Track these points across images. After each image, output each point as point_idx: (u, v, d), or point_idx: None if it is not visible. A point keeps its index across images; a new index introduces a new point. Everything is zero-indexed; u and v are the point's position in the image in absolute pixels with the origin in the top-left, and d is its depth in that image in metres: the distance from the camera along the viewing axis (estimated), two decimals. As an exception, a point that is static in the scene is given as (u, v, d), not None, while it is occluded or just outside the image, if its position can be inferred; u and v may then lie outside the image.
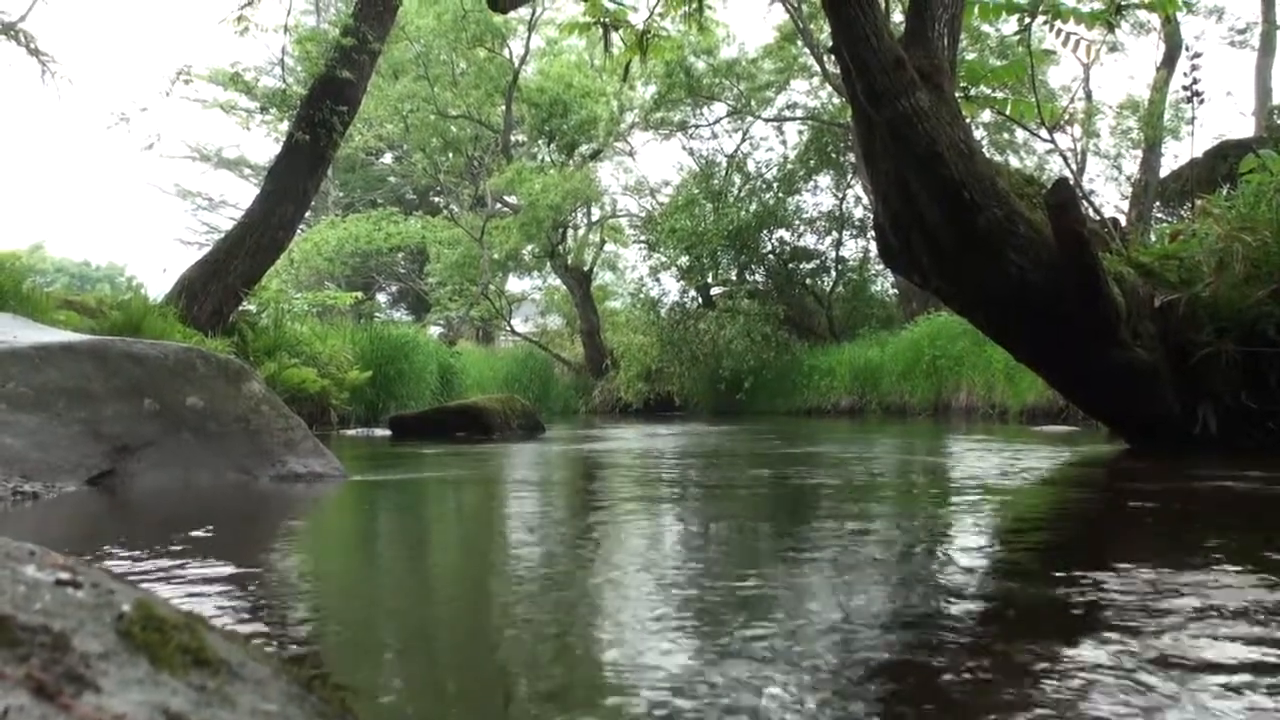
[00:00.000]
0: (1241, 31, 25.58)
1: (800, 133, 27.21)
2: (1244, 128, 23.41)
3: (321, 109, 12.36)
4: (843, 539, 3.01)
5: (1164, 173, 19.38)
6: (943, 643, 1.77)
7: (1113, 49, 22.25)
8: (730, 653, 1.69)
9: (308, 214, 19.19)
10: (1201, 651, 1.64)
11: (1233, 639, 1.72)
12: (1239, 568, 2.38)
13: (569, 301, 31.34)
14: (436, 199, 38.16)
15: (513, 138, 30.62)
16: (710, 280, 26.24)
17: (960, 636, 1.83)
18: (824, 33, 20.99)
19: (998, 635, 1.84)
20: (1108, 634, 1.78)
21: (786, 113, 27.52)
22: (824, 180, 26.79)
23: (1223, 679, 1.49)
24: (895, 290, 24.80)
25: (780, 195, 25.92)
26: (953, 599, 2.17)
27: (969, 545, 3.02)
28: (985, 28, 19.82)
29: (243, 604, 2.17)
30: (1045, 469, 5.70)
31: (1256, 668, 1.55)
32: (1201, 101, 8.18)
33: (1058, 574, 2.34)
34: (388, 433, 10.96)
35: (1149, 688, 1.45)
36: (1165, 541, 3.07)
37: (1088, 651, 1.66)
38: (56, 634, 0.83)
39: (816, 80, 26.02)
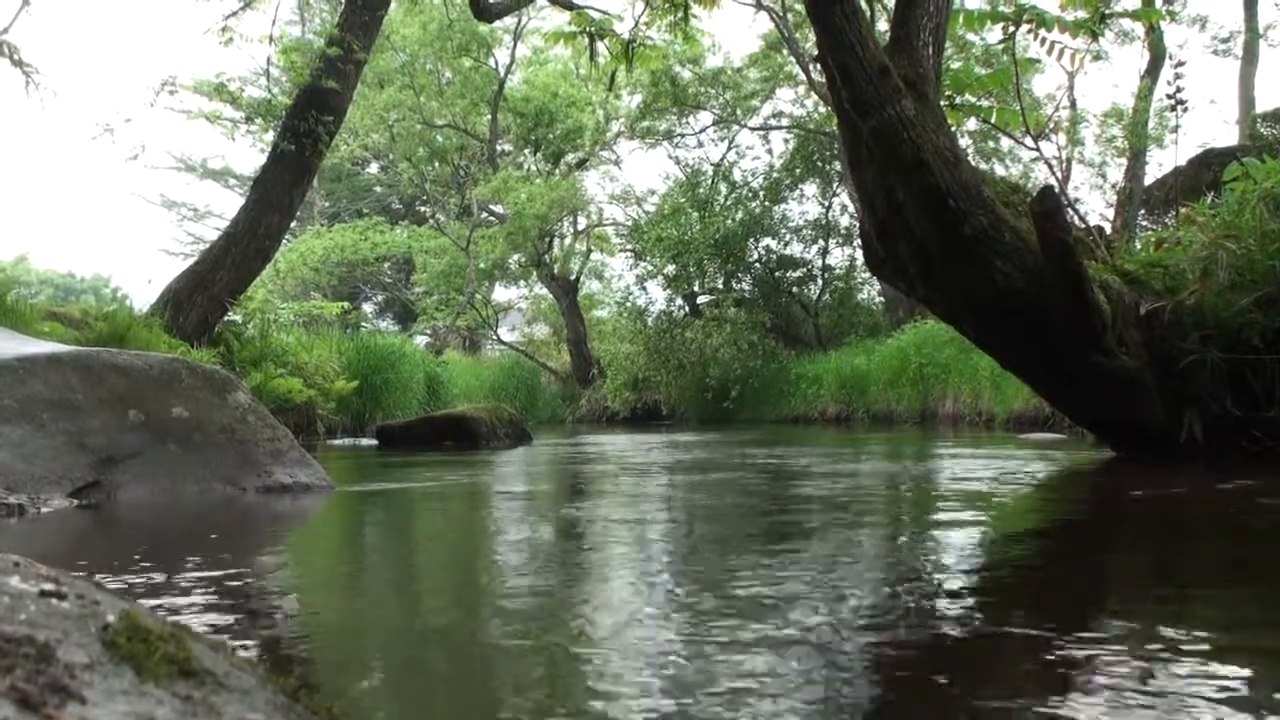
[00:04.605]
0: (1225, 40, 25.75)
1: (786, 141, 27.29)
2: (1228, 136, 23.49)
3: (307, 119, 12.34)
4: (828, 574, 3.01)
5: (1149, 181, 19.46)
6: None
7: (1097, 57, 22.35)
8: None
9: (293, 224, 19.15)
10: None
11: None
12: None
13: (555, 310, 31.37)
14: (422, 208, 38.13)
15: (498, 147, 30.63)
16: (697, 289, 26.27)
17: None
18: (809, 41, 21.05)
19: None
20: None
21: (772, 121, 27.60)
22: (810, 189, 26.86)
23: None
24: (881, 298, 24.83)
25: (766, 204, 25.96)
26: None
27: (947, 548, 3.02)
28: (970, 36, 19.90)
29: (229, 615, 2.16)
30: (1035, 478, 5.72)
31: None
32: (1185, 109, 8.21)
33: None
34: (374, 443, 10.94)
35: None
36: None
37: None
38: (41, 645, 0.82)
39: (802, 89, 26.09)
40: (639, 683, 1.58)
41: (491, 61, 29.25)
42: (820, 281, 26.15)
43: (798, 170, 26.39)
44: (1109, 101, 35.63)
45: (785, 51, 24.62)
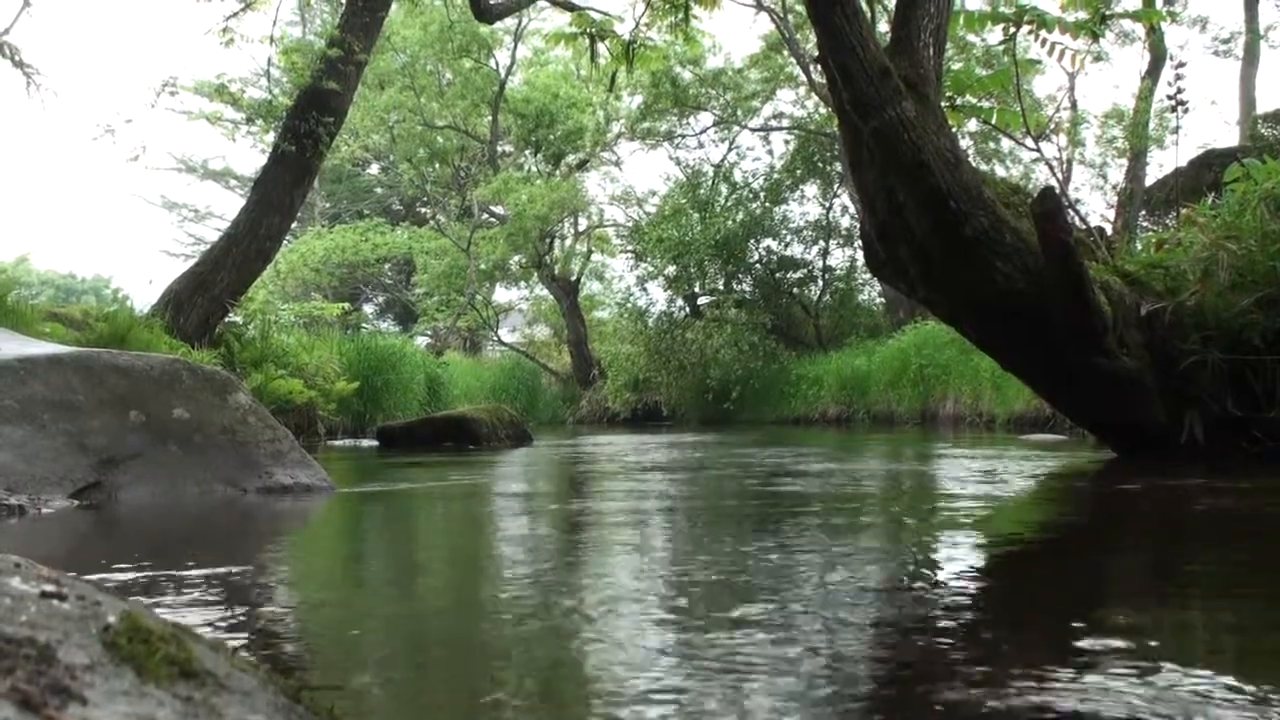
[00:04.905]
0: (1225, 41, 25.74)
1: (787, 142, 27.27)
2: (1229, 137, 23.50)
3: (307, 120, 12.34)
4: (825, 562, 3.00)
5: (1149, 181, 19.46)
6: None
7: (1098, 58, 22.35)
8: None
9: (294, 225, 19.16)
10: None
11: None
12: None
13: (556, 311, 31.37)
14: (423, 209, 38.16)
15: (499, 148, 30.64)
16: (697, 290, 26.26)
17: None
18: (810, 42, 21.04)
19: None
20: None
21: (773, 122, 27.58)
22: (810, 189, 26.83)
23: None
24: (882, 299, 24.83)
25: (767, 204, 25.95)
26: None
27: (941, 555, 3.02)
28: (971, 37, 19.90)
29: (231, 616, 2.16)
30: (1035, 479, 5.71)
31: None
32: (1186, 110, 8.22)
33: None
34: (375, 444, 10.94)
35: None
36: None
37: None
38: (42, 646, 0.82)
39: (803, 90, 26.08)
40: (641, 694, 1.58)
41: (492, 63, 29.25)
42: (821, 282, 26.14)
43: (798, 171, 26.38)
44: (1110, 102, 35.65)
45: (786, 52, 24.60)
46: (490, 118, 29.47)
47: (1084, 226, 7.35)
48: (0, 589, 0.92)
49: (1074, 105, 24.29)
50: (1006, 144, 23.31)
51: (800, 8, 19.70)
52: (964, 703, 1.46)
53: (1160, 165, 21.62)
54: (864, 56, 5.63)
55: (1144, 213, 18.08)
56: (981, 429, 13.77)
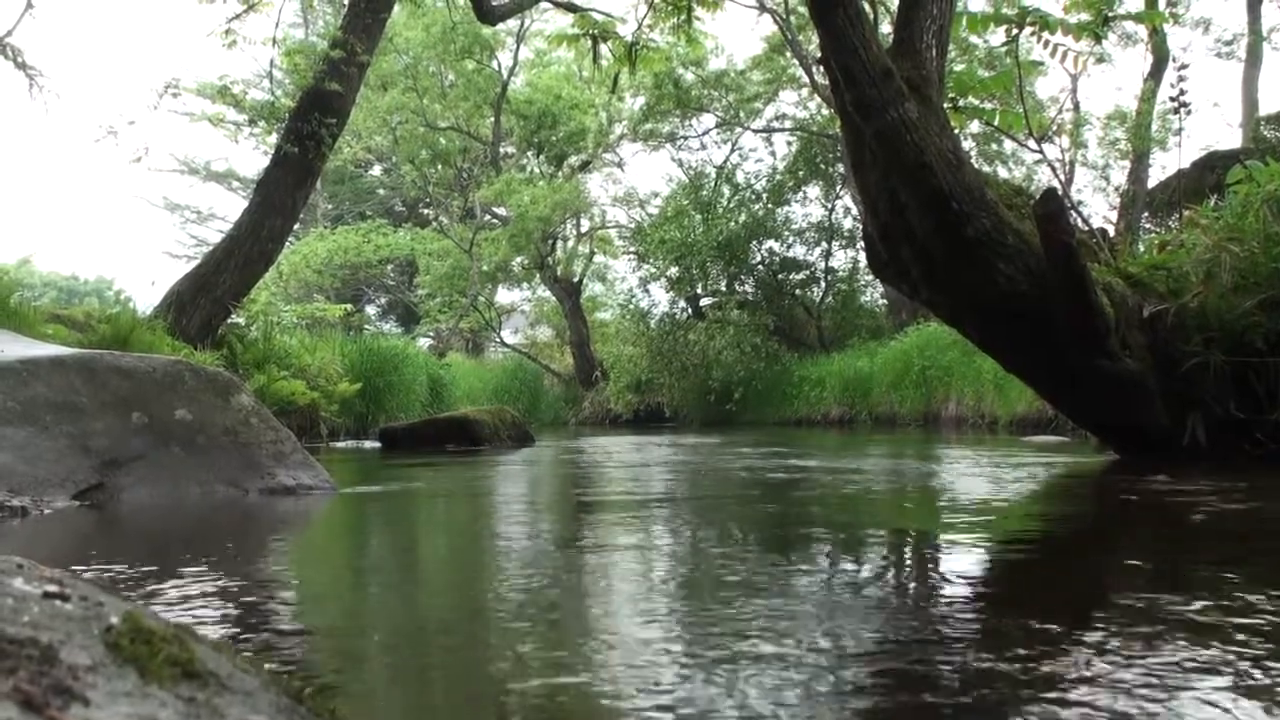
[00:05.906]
0: (1228, 43, 25.72)
1: (789, 144, 27.28)
2: (1231, 139, 23.49)
3: (310, 121, 12.34)
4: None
5: (1152, 183, 19.45)
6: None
7: (1100, 60, 22.36)
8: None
9: (296, 226, 19.16)
10: None
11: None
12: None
13: (558, 313, 31.39)
14: (426, 211, 38.15)
15: (502, 149, 30.65)
16: (700, 291, 26.26)
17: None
18: (813, 44, 21.03)
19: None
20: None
21: (775, 124, 27.57)
22: (813, 191, 26.84)
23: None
24: (884, 301, 24.84)
25: (769, 206, 25.96)
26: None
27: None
28: (973, 39, 19.91)
29: (232, 616, 2.16)
30: (1037, 480, 5.71)
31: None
32: (1188, 112, 8.23)
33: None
34: (377, 445, 10.94)
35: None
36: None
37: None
38: (44, 646, 0.82)
39: (805, 91, 26.07)
40: (639, 691, 1.58)
41: (494, 64, 29.29)
42: (823, 284, 26.15)
43: (800, 172, 26.37)
44: (1112, 104, 35.67)
45: (788, 54, 24.59)
46: (493, 119, 29.50)
47: (1086, 228, 7.34)
48: (3, 589, 0.92)
49: (1076, 107, 24.28)
50: (1009, 145, 23.33)
51: (803, 9, 19.69)
52: (966, 696, 1.46)
53: (1163, 167, 21.60)
54: (866, 58, 5.63)
55: (1146, 214, 18.07)
56: (984, 431, 13.77)
